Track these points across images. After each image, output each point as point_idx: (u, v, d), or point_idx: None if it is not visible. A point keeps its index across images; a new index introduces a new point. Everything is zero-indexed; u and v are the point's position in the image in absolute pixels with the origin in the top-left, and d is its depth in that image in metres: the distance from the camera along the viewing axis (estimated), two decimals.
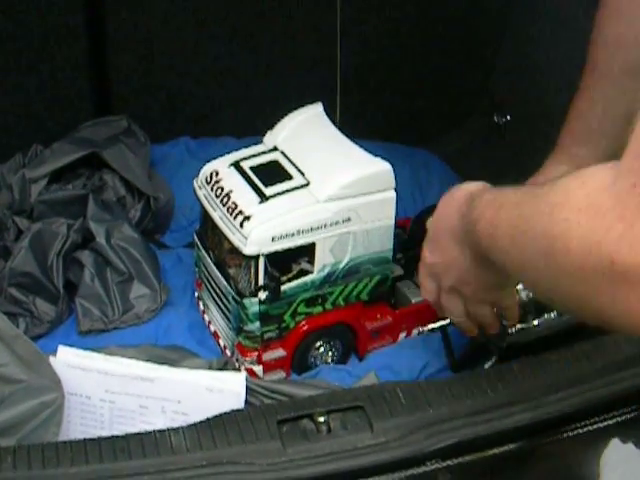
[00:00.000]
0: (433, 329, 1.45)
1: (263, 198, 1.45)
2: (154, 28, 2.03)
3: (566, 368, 1.07)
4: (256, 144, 1.61)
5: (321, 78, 2.08)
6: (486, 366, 1.36)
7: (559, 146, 1.46)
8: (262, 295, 1.45)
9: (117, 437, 0.99)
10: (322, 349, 1.55)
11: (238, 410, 1.12)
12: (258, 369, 1.51)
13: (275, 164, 1.54)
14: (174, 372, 1.28)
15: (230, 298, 1.49)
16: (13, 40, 1.94)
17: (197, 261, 1.64)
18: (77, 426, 1.27)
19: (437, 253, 1.22)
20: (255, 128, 1.73)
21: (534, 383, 1.04)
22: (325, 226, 1.42)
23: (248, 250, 1.41)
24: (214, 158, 1.58)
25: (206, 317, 1.65)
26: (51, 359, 1.24)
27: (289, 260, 1.44)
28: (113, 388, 1.26)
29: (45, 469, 0.94)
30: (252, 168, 1.53)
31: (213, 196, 1.50)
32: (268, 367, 1.51)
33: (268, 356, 1.51)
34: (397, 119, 2.15)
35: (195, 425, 1.01)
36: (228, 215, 1.45)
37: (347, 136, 1.56)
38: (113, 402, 1.26)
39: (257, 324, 1.47)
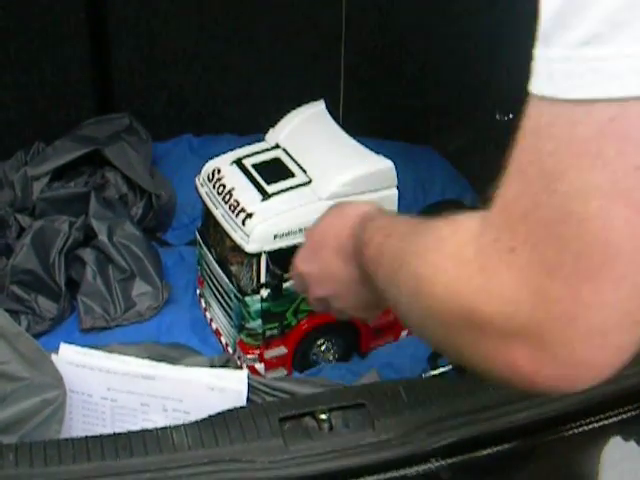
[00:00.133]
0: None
1: (265, 196, 1.45)
2: (156, 25, 2.03)
3: None
4: (258, 142, 1.60)
5: (323, 76, 2.07)
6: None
7: None
8: (264, 293, 1.45)
9: (119, 435, 0.99)
10: (324, 347, 1.55)
11: (240, 408, 1.11)
12: (260, 367, 1.51)
13: (277, 162, 1.54)
14: (176, 370, 1.28)
15: (232, 296, 1.49)
16: (15, 37, 1.94)
17: (199, 259, 1.64)
18: (79, 424, 1.27)
19: (314, 264, 1.23)
20: (257, 125, 1.73)
21: None
22: None
23: (250, 248, 1.41)
24: (216, 156, 1.58)
25: (208, 315, 1.65)
26: (53, 357, 1.23)
27: (291, 258, 1.43)
28: (115, 386, 1.25)
29: (47, 466, 0.94)
30: (254, 166, 1.53)
31: (215, 194, 1.50)
32: (270, 365, 1.51)
33: (270, 354, 1.51)
34: (399, 117, 2.15)
35: (197, 423, 1.01)
36: (230, 213, 1.45)
37: (349, 134, 1.56)
38: (115, 400, 1.26)
39: (259, 322, 1.47)
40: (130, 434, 0.98)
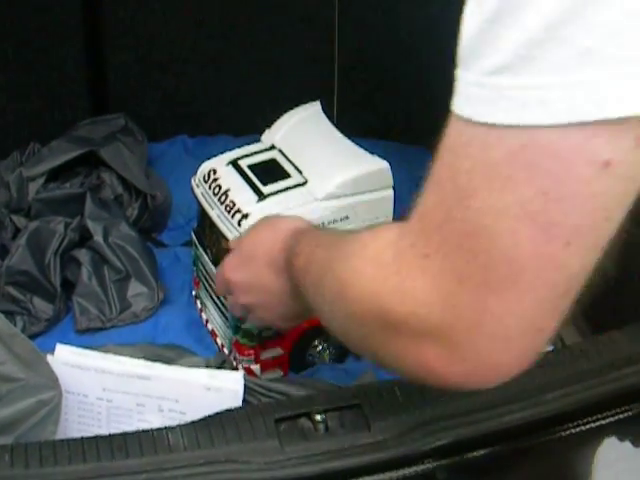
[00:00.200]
0: None
1: (261, 196, 1.45)
2: (152, 26, 2.04)
3: (564, 366, 1.07)
4: (254, 142, 1.60)
5: (319, 76, 2.08)
6: None
7: None
8: None
9: (114, 435, 0.98)
10: (320, 348, 1.55)
11: (236, 409, 1.11)
12: (255, 368, 1.51)
13: (273, 162, 1.54)
14: (172, 370, 1.28)
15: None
16: (10, 38, 1.94)
17: (195, 259, 1.64)
18: (74, 424, 1.27)
19: (243, 274, 1.28)
20: (253, 126, 1.72)
21: (531, 381, 1.04)
22: (323, 224, 1.42)
23: None
24: (212, 156, 1.58)
25: (203, 315, 1.65)
26: (49, 357, 1.23)
27: None
28: (110, 386, 1.25)
29: (42, 467, 0.94)
30: (250, 166, 1.53)
31: (211, 194, 1.50)
32: (266, 366, 1.51)
33: (266, 355, 1.51)
34: (395, 117, 2.15)
35: (193, 423, 1.01)
36: (226, 213, 1.45)
37: (345, 134, 1.56)
38: (110, 401, 1.26)
39: None
40: (126, 435, 0.98)
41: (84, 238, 1.76)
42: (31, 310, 1.67)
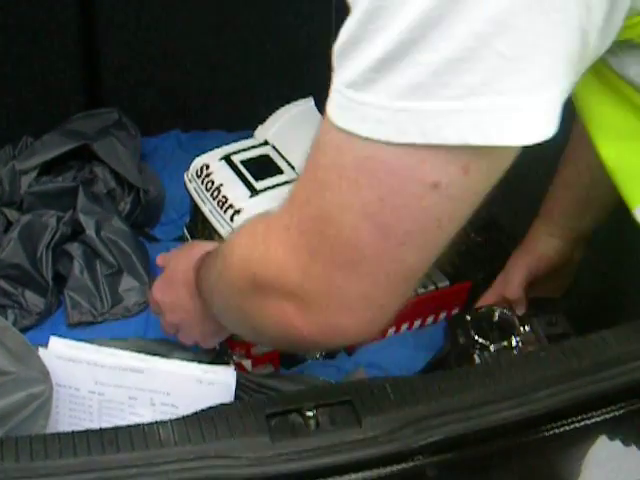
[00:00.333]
0: None
1: (253, 192, 1.45)
2: (146, 21, 2.03)
3: (555, 365, 1.07)
4: (247, 138, 1.61)
5: (312, 72, 2.07)
6: None
7: (547, 215, 1.49)
8: None
9: (105, 430, 0.98)
10: None
11: (227, 404, 1.12)
12: (247, 363, 1.51)
13: (266, 158, 1.54)
14: (165, 363, 1.29)
15: None
16: (3, 31, 1.94)
17: None
18: (66, 418, 1.27)
19: (167, 294, 1.37)
20: (246, 122, 1.73)
21: (523, 379, 1.04)
22: None
23: None
24: (205, 152, 1.58)
25: None
26: (42, 350, 1.23)
27: None
28: (103, 380, 1.26)
29: (33, 461, 0.93)
30: (243, 162, 1.53)
31: (203, 189, 1.50)
32: (257, 361, 1.51)
33: (257, 350, 1.51)
34: None
35: (183, 418, 1.01)
36: (218, 209, 1.45)
37: None
38: (102, 394, 1.26)
39: None
40: (117, 429, 0.98)
41: (76, 232, 1.75)
42: (22, 303, 1.66)
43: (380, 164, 0.80)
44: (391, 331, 1.61)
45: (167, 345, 1.46)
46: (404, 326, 1.61)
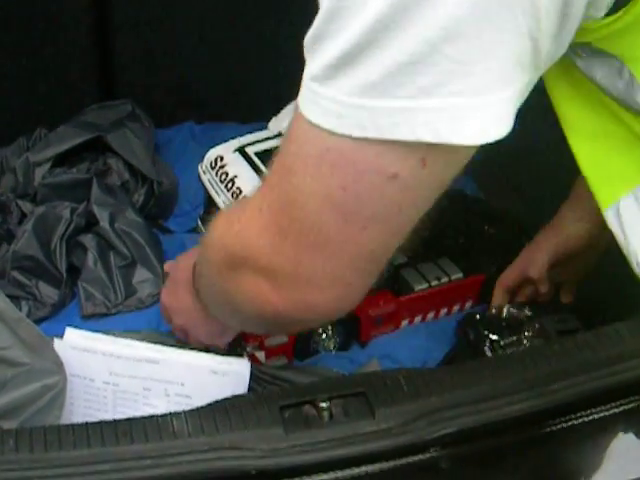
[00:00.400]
0: None
1: None
2: (159, 12, 2.03)
3: (569, 357, 1.07)
4: (261, 130, 1.60)
5: None
6: None
7: (576, 200, 1.48)
8: None
9: (119, 421, 0.99)
10: (324, 335, 1.55)
11: (240, 395, 1.12)
12: (260, 355, 1.51)
13: None
14: (180, 354, 1.29)
15: None
16: (17, 23, 1.94)
17: None
18: (80, 409, 1.27)
19: (172, 297, 1.39)
20: (260, 114, 1.72)
21: (536, 371, 1.04)
22: None
23: None
24: (218, 143, 1.58)
25: None
26: (57, 341, 1.24)
27: None
28: (117, 370, 1.26)
29: (47, 452, 0.94)
30: (257, 154, 1.53)
31: (217, 181, 1.50)
32: (270, 353, 1.52)
33: (270, 342, 1.51)
34: None
35: (197, 410, 1.01)
36: (232, 200, 1.45)
37: None
38: (117, 384, 1.26)
39: None
40: (131, 420, 0.98)
41: (90, 224, 1.76)
42: (37, 295, 1.67)
43: (342, 156, 0.84)
44: (405, 323, 1.61)
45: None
46: (417, 318, 1.61)
